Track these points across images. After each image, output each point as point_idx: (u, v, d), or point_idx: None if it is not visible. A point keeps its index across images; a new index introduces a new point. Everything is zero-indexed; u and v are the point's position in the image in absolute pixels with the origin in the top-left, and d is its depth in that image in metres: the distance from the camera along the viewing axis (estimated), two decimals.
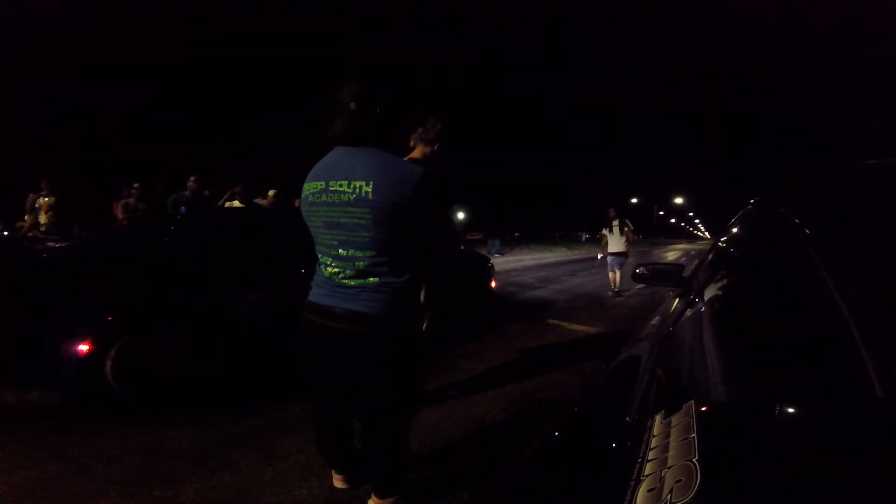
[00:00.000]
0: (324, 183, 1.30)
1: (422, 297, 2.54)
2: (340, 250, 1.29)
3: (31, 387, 2.53)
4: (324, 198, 1.29)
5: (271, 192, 6.16)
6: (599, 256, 6.97)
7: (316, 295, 1.38)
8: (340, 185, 1.26)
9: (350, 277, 1.29)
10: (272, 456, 2.00)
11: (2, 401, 2.45)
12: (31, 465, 1.85)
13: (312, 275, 1.44)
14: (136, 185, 5.64)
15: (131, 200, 5.61)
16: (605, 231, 6.86)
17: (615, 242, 6.70)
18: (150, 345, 2.31)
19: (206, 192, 6.13)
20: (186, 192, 5.63)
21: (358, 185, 1.24)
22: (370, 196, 1.22)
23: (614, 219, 6.65)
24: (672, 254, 22.59)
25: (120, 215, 5.65)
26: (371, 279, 1.28)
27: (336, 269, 1.32)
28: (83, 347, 2.08)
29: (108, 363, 2.17)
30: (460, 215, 15.29)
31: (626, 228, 6.68)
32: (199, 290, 2.57)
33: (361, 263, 1.27)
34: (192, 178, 5.67)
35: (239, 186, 5.45)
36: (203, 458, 1.96)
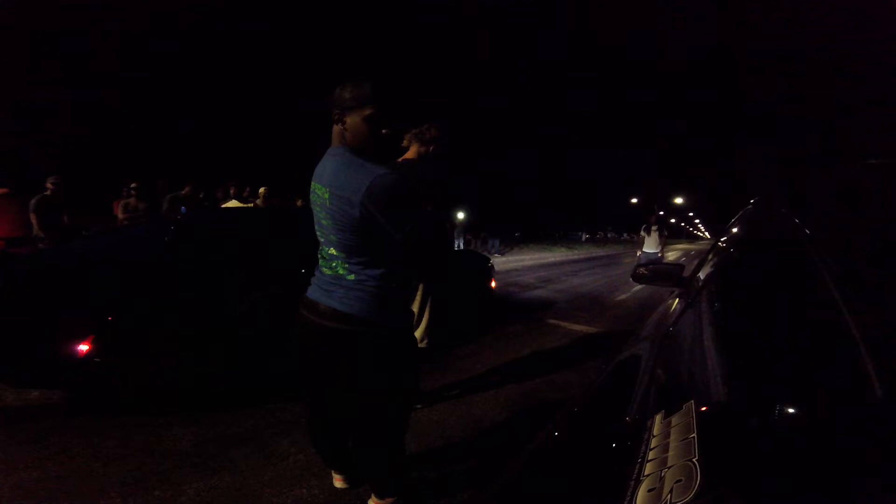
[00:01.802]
0: (313, 184, 1.34)
1: (417, 298, 2.57)
2: (324, 248, 1.35)
3: (31, 387, 2.53)
4: (312, 198, 1.35)
5: (262, 190, 6.14)
6: (638, 254, 8.31)
7: (310, 289, 1.41)
8: (316, 189, 1.31)
9: (332, 273, 1.33)
10: (272, 456, 2.01)
11: (2, 401, 2.45)
12: (31, 465, 1.85)
13: (312, 275, 1.45)
14: (133, 184, 5.64)
15: (131, 201, 5.61)
16: (643, 233, 8.11)
17: (652, 243, 8.01)
18: (150, 345, 2.31)
19: (201, 196, 6.14)
20: (182, 193, 5.65)
21: (322, 190, 1.27)
22: (328, 203, 1.25)
23: (654, 224, 7.88)
24: (672, 254, 22.61)
25: (120, 215, 5.65)
26: (349, 276, 1.30)
27: (323, 265, 1.37)
28: (83, 347, 2.08)
29: (108, 363, 2.17)
30: (459, 215, 15.27)
31: (663, 233, 8.04)
32: (200, 290, 2.57)
33: (337, 262, 1.31)
34: (188, 186, 5.72)
35: (247, 188, 5.46)
36: (203, 458, 1.96)
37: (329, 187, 1.24)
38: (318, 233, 1.38)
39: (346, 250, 1.28)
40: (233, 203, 5.31)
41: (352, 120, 1.27)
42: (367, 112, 1.25)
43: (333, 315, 1.30)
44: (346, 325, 1.29)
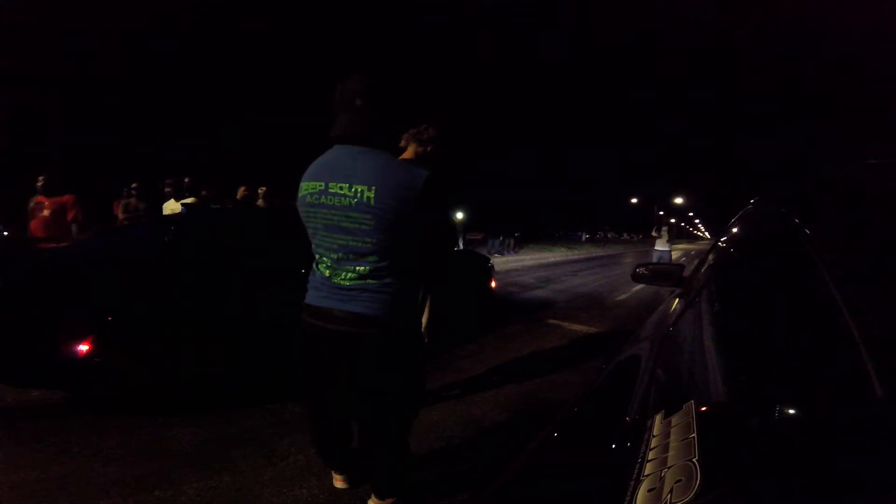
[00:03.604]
0: (323, 184, 1.25)
1: (419, 298, 2.57)
2: (340, 254, 1.26)
3: (31, 387, 2.53)
4: (323, 199, 1.25)
5: (261, 190, 6.11)
6: (653, 250, 9.82)
7: (313, 297, 1.35)
8: (341, 188, 1.22)
9: (349, 279, 1.26)
10: (272, 456, 2.00)
11: (2, 401, 2.45)
12: (31, 465, 1.85)
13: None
14: (134, 184, 5.64)
15: (132, 201, 5.60)
16: (654, 234, 9.54)
17: (663, 242, 9.52)
18: (150, 345, 2.31)
19: (204, 192, 6.11)
20: (185, 193, 5.60)
21: (360, 190, 1.19)
22: (372, 202, 1.18)
23: (663, 226, 9.25)
24: (672, 254, 22.59)
25: (120, 215, 5.65)
26: (370, 281, 1.25)
27: (335, 271, 1.29)
28: (83, 347, 2.08)
29: (108, 363, 2.17)
30: (459, 215, 15.28)
31: (671, 232, 9.58)
32: (200, 290, 2.56)
33: (362, 268, 1.25)
34: (187, 179, 5.66)
35: (170, 180, 4.92)
36: (203, 458, 1.96)
37: (375, 185, 1.19)
38: (323, 238, 1.29)
39: (379, 253, 1.23)
40: (171, 205, 4.71)
41: None
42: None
43: (355, 319, 1.25)
44: (367, 329, 1.26)
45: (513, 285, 7.84)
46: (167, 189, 5.03)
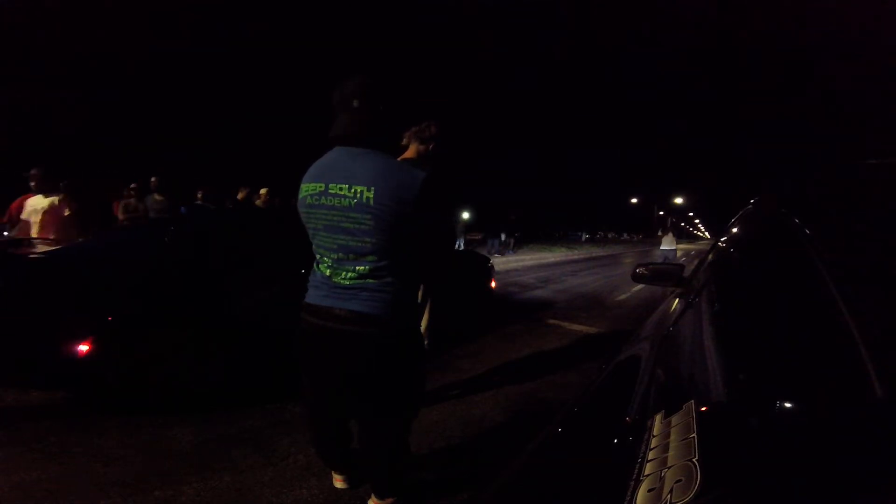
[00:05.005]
0: (323, 185, 1.26)
1: (419, 297, 2.57)
2: (340, 254, 1.27)
3: (31, 387, 2.53)
4: (323, 200, 1.26)
5: (263, 191, 6.14)
6: (658, 249, 11.25)
7: (314, 296, 1.35)
8: (341, 189, 1.23)
9: (349, 279, 1.27)
10: (272, 456, 2.00)
11: (2, 401, 2.45)
12: (31, 465, 1.85)
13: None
14: (132, 185, 5.66)
15: (131, 201, 5.61)
16: (660, 234, 11.02)
17: (669, 242, 10.84)
18: (150, 345, 2.31)
19: (200, 192, 6.16)
20: (155, 195, 5.68)
21: (359, 191, 1.20)
22: (371, 203, 1.19)
23: (670, 226, 9.72)
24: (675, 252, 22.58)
25: (120, 215, 5.66)
26: (370, 280, 1.26)
27: (335, 271, 1.29)
28: (83, 347, 2.08)
29: (108, 363, 2.17)
30: (465, 215, 15.29)
31: (674, 232, 11.30)
32: (199, 290, 2.57)
33: (362, 267, 1.25)
34: (153, 179, 5.71)
35: (33, 171, 4.04)
36: (203, 458, 1.96)
37: (374, 186, 1.20)
38: (323, 238, 1.29)
39: (379, 253, 1.24)
40: (34, 203, 3.88)
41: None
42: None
43: (356, 318, 1.26)
44: (367, 328, 1.26)
45: (513, 285, 7.83)
46: (32, 183, 4.05)
